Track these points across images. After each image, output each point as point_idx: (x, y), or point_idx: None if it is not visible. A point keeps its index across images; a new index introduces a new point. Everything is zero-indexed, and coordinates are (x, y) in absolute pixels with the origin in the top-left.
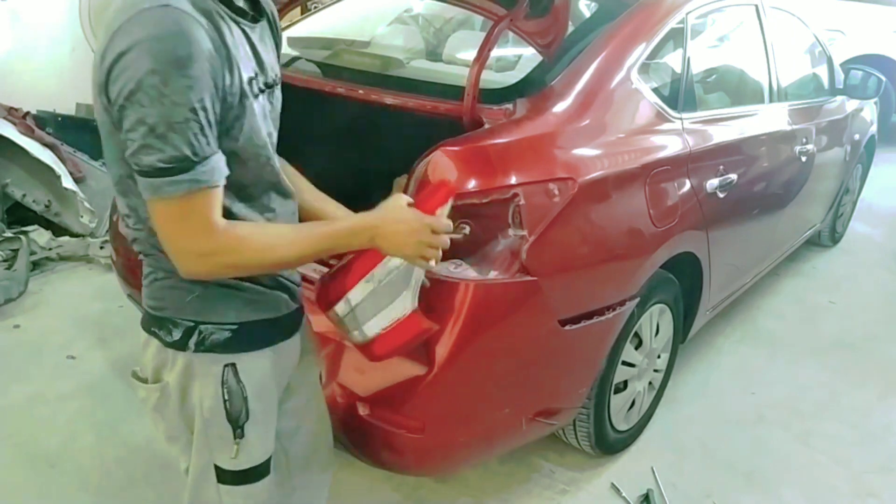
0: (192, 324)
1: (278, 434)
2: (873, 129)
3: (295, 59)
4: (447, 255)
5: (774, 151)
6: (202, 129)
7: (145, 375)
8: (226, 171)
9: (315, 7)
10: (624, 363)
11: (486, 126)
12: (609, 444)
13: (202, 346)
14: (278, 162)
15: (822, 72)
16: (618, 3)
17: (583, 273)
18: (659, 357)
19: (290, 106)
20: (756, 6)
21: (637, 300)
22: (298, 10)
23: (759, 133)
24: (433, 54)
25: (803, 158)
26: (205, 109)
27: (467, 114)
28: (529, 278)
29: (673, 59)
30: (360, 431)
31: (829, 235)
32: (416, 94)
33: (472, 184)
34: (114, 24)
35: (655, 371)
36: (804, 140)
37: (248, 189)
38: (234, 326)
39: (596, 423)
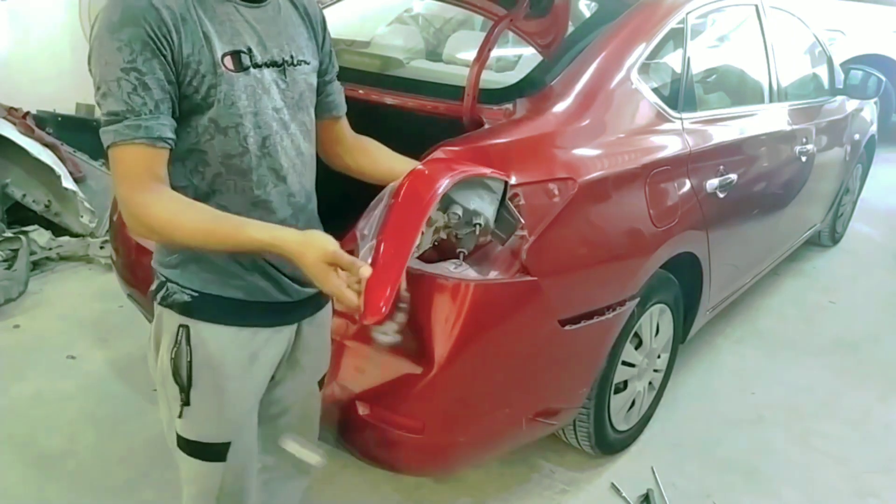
0: (164, 279)
1: (271, 423)
2: (873, 129)
3: None
4: (447, 255)
5: (774, 151)
6: (136, 88)
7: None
8: (167, 135)
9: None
10: (624, 363)
11: (486, 126)
12: (609, 444)
13: (165, 301)
14: (289, 145)
15: (822, 72)
16: (618, 3)
17: (583, 273)
18: (659, 357)
19: None
20: (756, 6)
21: (637, 300)
22: None
23: (759, 133)
24: (433, 54)
25: (803, 158)
26: (137, 70)
27: (467, 114)
28: (529, 278)
29: (673, 59)
30: (359, 431)
31: (829, 235)
32: (416, 94)
33: None
34: None
35: (655, 371)
36: (804, 140)
37: (234, 160)
38: (195, 293)
39: (596, 423)
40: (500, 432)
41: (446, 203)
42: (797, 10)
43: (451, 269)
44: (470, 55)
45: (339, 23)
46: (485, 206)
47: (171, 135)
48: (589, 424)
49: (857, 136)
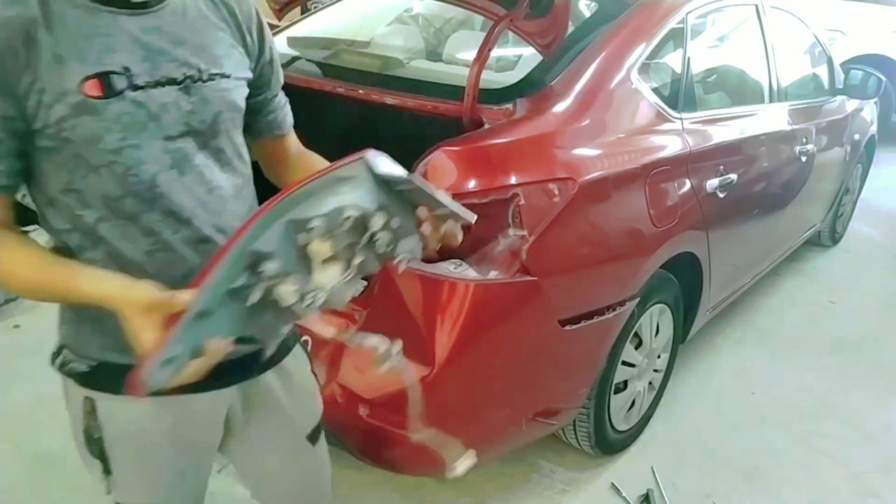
0: (60, 343)
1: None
2: (873, 129)
3: (295, 59)
4: (447, 255)
5: (774, 151)
6: None
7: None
8: None
9: (315, 7)
10: (624, 363)
11: (486, 126)
12: (609, 444)
13: (62, 369)
14: (193, 181)
15: (822, 72)
16: (618, 3)
17: (583, 273)
18: (659, 357)
19: (291, 106)
20: (756, 6)
21: (637, 300)
22: (298, 10)
23: (759, 133)
24: (433, 54)
25: (803, 158)
26: None
27: (467, 114)
28: (529, 278)
29: (673, 59)
30: (360, 431)
31: (829, 235)
32: (416, 94)
33: (472, 184)
34: None
35: (655, 371)
36: (804, 140)
37: (116, 203)
38: (93, 363)
39: (596, 423)
40: (500, 432)
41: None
42: (797, 10)
43: (451, 269)
44: (470, 55)
45: (339, 23)
46: (347, 198)
47: (3, 181)
48: (589, 424)
49: (857, 136)
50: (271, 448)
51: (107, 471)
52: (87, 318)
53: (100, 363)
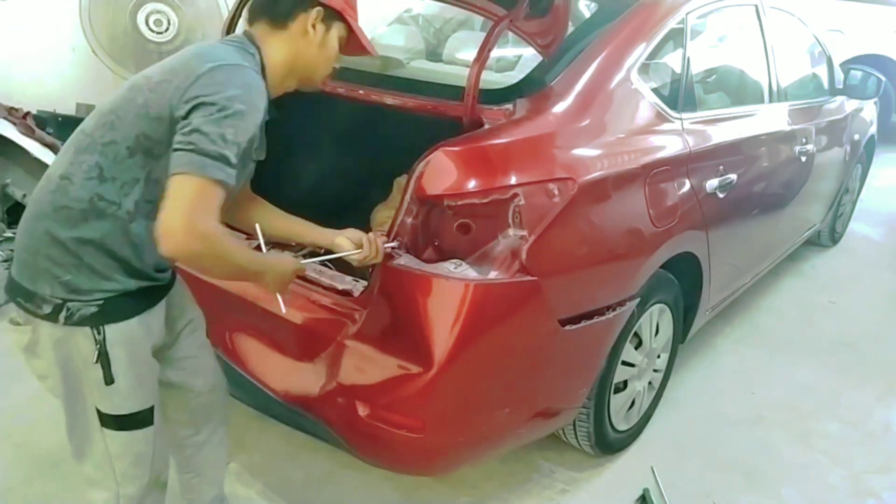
0: (61, 301)
1: (176, 386)
2: (873, 129)
3: None
4: (447, 255)
5: (774, 151)
6: None
7: (18, 320)
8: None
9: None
10: (624, 363)
11: (486, 126)
12: (609, 443)
13: (70, 321)
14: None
15: (822, 72)
16: (618, 3)
17: (583, 273)
18: (659, 357)
19: (291, 106)
20: (756, 6)
21: (637, 300)
22: None
23: (759, 133)
24: (433, 54)
25: (803, 158)
26: None
27: (467, 114)
28: (529, 278)
29: (673, 60)
30: (359, 431)
31: (829, 235)
32: (416, 95)
33: (472, 184)
34: None
35: (655, 371)
36: (804, 140)
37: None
38: (100, 301)
39: (596, 423)
40: (499, 432)
41: None
42: (797, 11)
43: (451, 269)
44: (470, 55)
45: None
46: None
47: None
48: (589, 424)
49: (856, 137)
50: (185, 346)
51: (108, 380)
52: (92, 263)
53: (105, 300)
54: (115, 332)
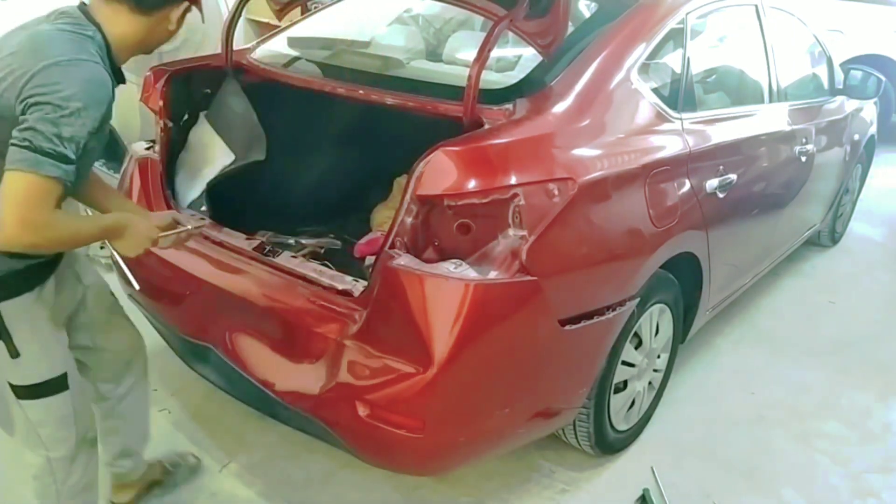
0: None
1: (91, 349)
2: (873, 129)
3: (295, 59)
4: (447, 255)
5: (774, 151)
6: None
7: None
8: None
9: (315, 7)
10: (624, 363)
11: (486, 126)
12: (609, 444)
13: None
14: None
15: (822, 72)
16: (618, 4)
17: (583, 273)
18: (659, 357)
19: (291, 106)
20: (756, 6)
21: (637, 300)
22: (298, 10)
23: (759, 133)
24: (433, 54)
25: (803, 158)
26: None
27: (467, 114)
28: (529, 278)
29: (673, 60)
30: (359, 431)
31: (829, 235)
32: (416, 95)
33: (472, 184)
34: None
35: (655, 371)
36: (804, 140)
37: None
38: None
39: (596, 423)
40: (499, 432)
41: None
42: (797, 11)
43: (451, 269)
44: (470, 55)
45: (339, 23)
46: None
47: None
48: (589, 424)
49: (856, 137)
50: (102, 303)
51: (13, 353)
52: None
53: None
54: (11, 308)
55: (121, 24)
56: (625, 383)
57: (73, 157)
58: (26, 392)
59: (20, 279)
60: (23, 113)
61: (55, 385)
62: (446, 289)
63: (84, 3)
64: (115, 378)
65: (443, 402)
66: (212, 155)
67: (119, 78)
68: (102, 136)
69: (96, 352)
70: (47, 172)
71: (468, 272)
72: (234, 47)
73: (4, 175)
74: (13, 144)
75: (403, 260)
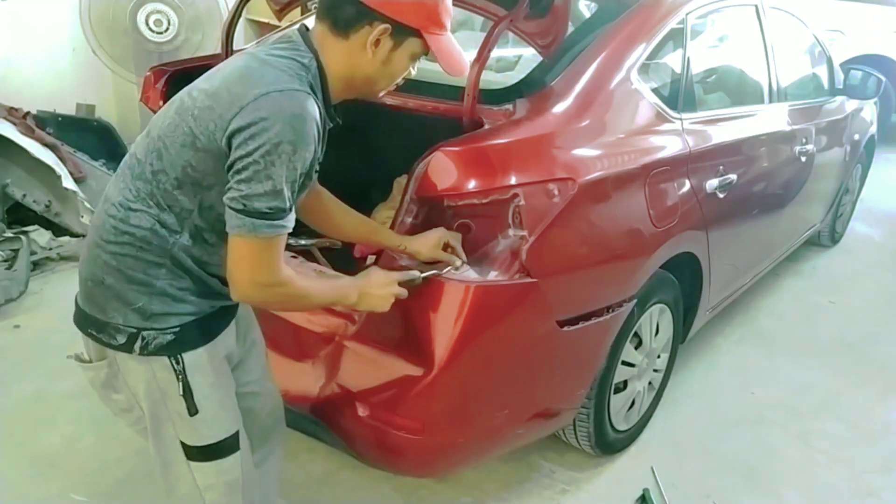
0: (135, 330)
1: (240, 409)
2: (873, 129)
3: None
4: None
5: (774, 151)
6: None
7: (88, 357)
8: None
9: (315, 7)
10: (624, 363)
11: (486, 126)
12: (609, 444)
13: (145, 351)
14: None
15: (822, 72)
16: (618, 4)
17: (583, 274)
18: (659, 357)
19: None
20: (756, 6)
21: (637, 300)
22: (299, 10)
23: (759, 133)
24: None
25: (803, 158)
26: None
27: (467, 114)
28: (529, 279)
29: (673, 60)
30: (359, 432)
31: (829, 235)
32: (416, 95)
33: (472, 184)
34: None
35: (655, 371)
36: (804, 140)
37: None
38: (176, 329)
39: (596, 423)
40: (499, 433)
41: None
42: (797, 11)
43: (451, 269)
44: (470, 55)
45: None
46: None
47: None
48: (589, 424)
49: (856, 137)
50: (252, 370)
51: (193, 411)
52: (163, 287)
53: (181, 326)
54: (194, 359)
55: (328, 50)
56: (625, 383)
57: (288, 205)
58: (198, 453)
59: (205, 325)
60: (228, 148)
61: (228, 445)
62: (446, 290)
63: (306, 27)
64: (251, 444)
65: (442, 403)
66: None
67: (332, 117)
68: (314, 171)
69: (243, 413)
70: (266, 234)
71: (468, 273)
72: (234, 47)
73: (230, 238)
74: (229, 207)
75: (403, 261)
